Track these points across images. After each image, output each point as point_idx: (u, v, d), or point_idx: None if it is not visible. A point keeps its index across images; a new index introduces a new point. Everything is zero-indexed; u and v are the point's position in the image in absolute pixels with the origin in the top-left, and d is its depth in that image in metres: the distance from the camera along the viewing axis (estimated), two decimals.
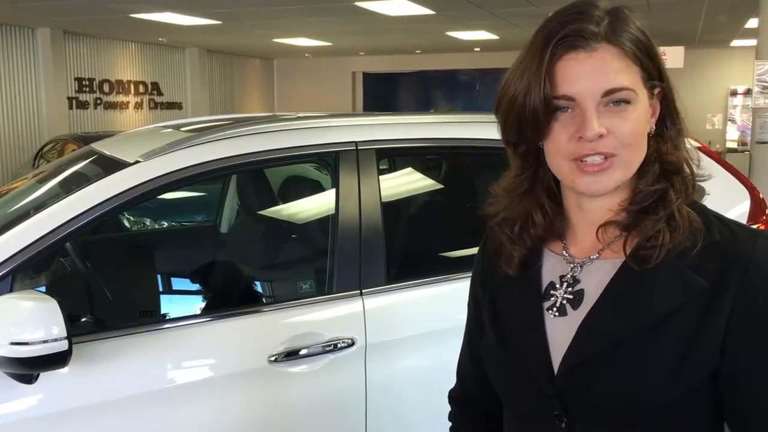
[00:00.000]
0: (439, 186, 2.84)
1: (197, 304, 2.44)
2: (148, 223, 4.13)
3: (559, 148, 0.93)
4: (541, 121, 0.92)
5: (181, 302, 2.38)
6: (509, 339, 1.03)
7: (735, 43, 12.49)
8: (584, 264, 0.98)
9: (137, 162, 2.06)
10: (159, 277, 2.56)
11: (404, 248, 2.47)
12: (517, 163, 1.04)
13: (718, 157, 2.96)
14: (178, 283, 2.52)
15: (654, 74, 0.93)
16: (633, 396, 0.89)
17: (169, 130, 2.58)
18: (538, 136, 0.94)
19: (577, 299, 0.96)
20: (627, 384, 0.90)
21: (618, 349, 0.91)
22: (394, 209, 2.46)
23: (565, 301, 0.97)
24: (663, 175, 0.94)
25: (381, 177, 2.30)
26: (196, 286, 2.47)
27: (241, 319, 2.10)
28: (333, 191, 2.25)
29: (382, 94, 17.99)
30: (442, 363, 2.24)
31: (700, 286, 0.89)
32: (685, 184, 0.94)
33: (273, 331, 2.07)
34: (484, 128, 2.54)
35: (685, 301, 0.89)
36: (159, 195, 2.17)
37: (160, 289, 2.42)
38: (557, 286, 0.99)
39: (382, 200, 2.27)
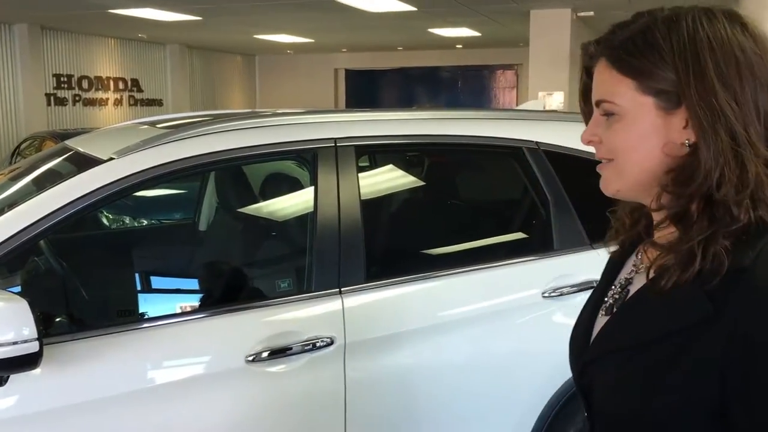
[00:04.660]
0: (419, 183, 2.82)
1: (175, 303, 2.40)
2: (127, 221, 4.08)
3: None
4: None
5: (159, 301, 2.35)
6: (571, 339, 1.09)
7: None
8: (641, 271, 0.98)
9: (111, 159, 2.03)
10: (136, 275, 2.52)
11: (384, 246, 2.45)
12: None
13: None
14: (155, 282, 2.49)
15: (663, 86, 0.88)
16: (615, 406, 0.92)
17: (145, 126, 2.54)
18: None
19: (619, 302, 0.99)
20: (610, 393, 0.93)
21: (609, 359, 0.94)
22: (373, 207, 2.44)
23: (612, 301, 1.01)
24: (686, 195, 0.87)
25: (360, 174, 2.28)
26: (173, 285, 2.44)
27: (219, 318, 2.07)
28: (312, 189, 2.22)
29: (365, 90, 17.95)
30: (422, 361, 2.23)
31: (703, 313, 0.83)
32: (719, 208, 0.84)
33: (251, 331, 2.05)
34: (463, 125, 2.53)
35: (680, 327, 0.86)
36: (133, 193, 2.14)
37: (138, 289, 2.39)
38: (615, 286, 1.02)
39: (362, 198, 2.25)
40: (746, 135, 0.84)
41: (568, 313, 2.40)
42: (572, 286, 2.38)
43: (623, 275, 1.02)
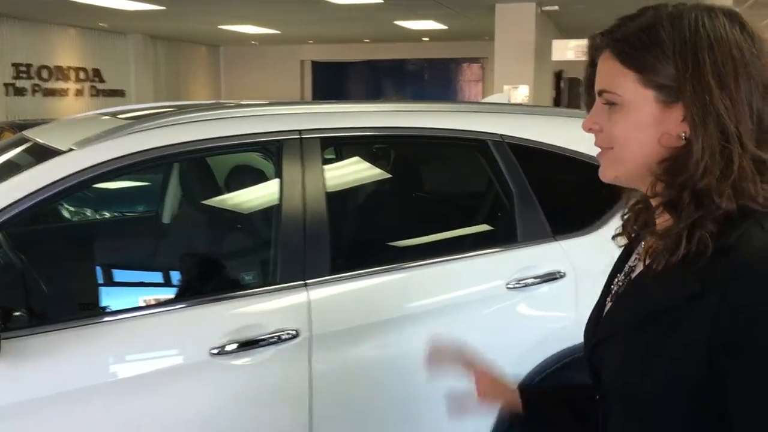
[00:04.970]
0: (385, 176, 2.82)
1: (138, 296, 2.37)
2: (88, 214, 4.01)
3: None
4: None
5: (121, 295, 2.31)
6: (587, 324, 1.14)
7: None
8: (641, 258, 1.04)
9: (71, 150, 1.99)
10: (98, 269, 2.48)
11: (349, 238, 2.45)
12: None
13: None
14: (118, 275, 2.45)
15: (664, 80, 0.92)
16: (618, 384, 0.98)
17: (107, 117, 2.50)
18: None
19: (622, 289, 1.06)
20: (613, 373, 0.99)
21: (611, 340, 1.01)
22: (338, 199, 2.43)
23: (617, 289, 1.07)
24: (677, 184, 0.92)
25: (325, 166, 2.27)
26: (136, 278, 2.41)
27: (183, 311, 2.05)
28: (277, 181, 2.21)
29: (331, 83, 17.88)
30: (388, 353, 2.24)
31: (691, 291, 0.89)
32: (704, 197, 0.89)
33: (215, 324, 2.03)
34: (429, 117, 2.54)
35: (670, 305, 0.91)
36: (94, 184, 2.11)
37: (100, 282, 2.35)
38: (621, 275, 1.09)
39: (327, 190, 2.24)
40: (737, 132, 0.89)
41: (531, 304, 2.43)
42: (535, 277, 2.41)
43: (628, 264, 1.09)
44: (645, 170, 0.95)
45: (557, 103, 13.22)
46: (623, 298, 1.04)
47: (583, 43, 1.06)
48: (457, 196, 2.93)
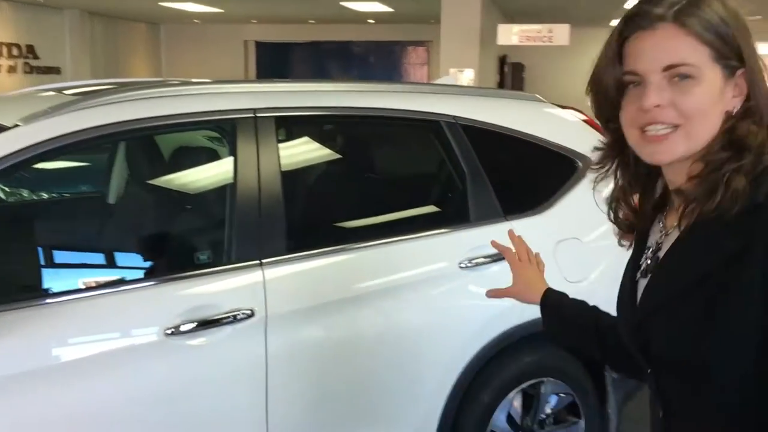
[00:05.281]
0: (340, 155, 2.82)
1: (88, 277, 2.31)
2: (25, 194, 3.86)
3: (627, 119, 1.03)
4: (612, 95, 1.03)
5: (70, 276, 2.25)
6: (619, 305, 1.17)
7: (614, 22, 13.11)
8: (669, 232, 1.08)
9: (16, 126, 1.92)
10: (42, 250, 2.40)
11: (304, 218, 2.44)
12: (608, 139, 1.12)
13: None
14: (66, 256, 2.38)
15: (730, 55, 0.98)
16: (674, 353, 1.01)
17: (51, 93, 2.42)
18: (616, 110, 1.04)
19: (653, 264, 1.08)
20: (667, 343, 1.02)
21: (660, 312, 1.03)
22: (293, 179, 2.42)
23: (646, 265, 1.10)
24: (731, 149, 0.97)
25: (280, 145, 2.26)
26: (87, 259, 2.35)
27: (135, 291, 2.02)
28: (231, 160, 2.18)
29: (276, 64, 17.64)
30: (343, 333, 2.25)
31: (730, 252, 0.93)
32: (756, 161, 0.95)
33: (169, 304, 2.00)
34: (384, 98, 2.54)
35: (714, 268, 0.95)
36: (41, 162, 2.04)
37: (44, 263, 2.28)
38: (647, 252, 1.11)
39: (282, 169, 2.23)
40: None
41: (482, 283, 2.47)
42: (487, 256, 2.45)
43: (652, 241, 1.11)
44: (703, 148, 0.99)
45: (501, 87, 13.38)
46: (662, 271, 1.05)
47: (528, 27, 1.08)
48: (410, 177, 2.95)
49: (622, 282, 1.17)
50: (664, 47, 0.98)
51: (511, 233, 1.60)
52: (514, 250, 1.53)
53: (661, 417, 1.07)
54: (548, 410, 2.69)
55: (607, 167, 1.13)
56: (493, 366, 2.50)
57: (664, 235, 1.08)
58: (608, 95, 1.04)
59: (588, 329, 1.36)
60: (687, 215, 0.99)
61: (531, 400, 2.65)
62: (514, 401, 2.59)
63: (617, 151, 1.11)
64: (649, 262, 1.09)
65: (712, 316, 0.95)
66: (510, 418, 2.60)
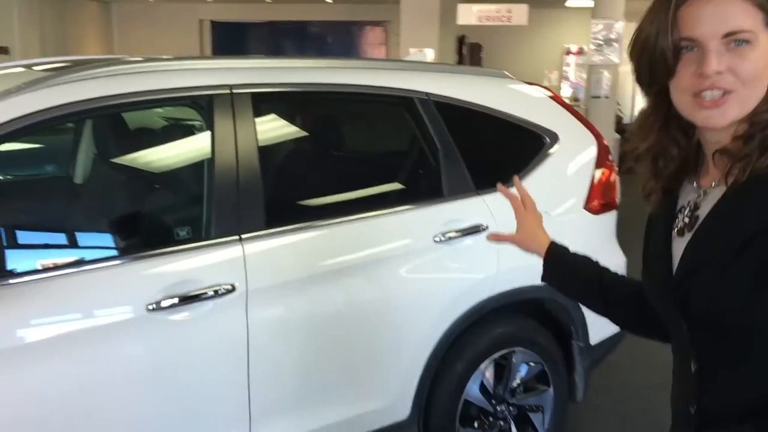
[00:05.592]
0: (316, 131, 2.83)
1: (70, 255, 2.27)
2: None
3: (681, 84, 1.05)
4: (669, 61, 1.04)
5: (48, 255, 2.22)
6: (651, 264, 1.19)
7: (570, 3, 13.25)
8: (707, 191, 1.10)
9: None
10: (17, 231, 2.36)
11: (283, 193, 2.46)
12: (650, 102, 1.14)
13: (569, 106, 3.17)
14: (47, 236, 2.33)
15: None
16: (718, 311, 1.03)
17: (20, 69, 2.38)
18: (668, 75, 1.06)
19: (692, 223, 1.10)
20: (712, 300, 1.03)
21: (707, 269, 1.04)
22: (271, 154, 2.43)
23: (683, 224, 1.12)
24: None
25: (257, 121, 2.26)
26: (68, 238, 2.32)
27: (116, 267, 2.02)
28: (208, 135, 2.18)
29: (232, 44, 17.36)
30: (323, 307, 2.28)
31: None
32: None
33: (150, 279, 2.01)
34: (359, 74, 2.56)
35: (762, 226, 0.98)
36: (16, 139, 2.01)
37: (23, 243, 2.24)
38: (683, 211, 1.13)
39: (259, 145, 2.24)
40: None
41: (456, 257, 2.53)
42: (459, 230, 2.51)
43: (685, 201, 1.14)
44: (751, 112, 1.03)
45: None
46: (706, 228, 1.07)
47: (487, 7, 1.10)
48: (385, 152, 2.98)
49: (652, 242, 1.20)
50: (721, 13, 1.00)
51: (516, 181, 1.62)
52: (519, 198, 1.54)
53: (694, 372, 1.09)
54: (519, 379, 2.78)
55: (649, 126, 1.15)
56: (466, 337, 2.57)
57: (702, 194, 1.11)
58: (660, 61, 1.05)
59: (592, 283, 1.40)
60: (733, 173, 1.03)
61: (503, 370, 2.73)
62: (487, 371, 2.67)
63: (660, 112, 1.13)
64: (687, 220, 1.11)
65: (763, 274, 0.97)
66: (483, 387, 2.67)
